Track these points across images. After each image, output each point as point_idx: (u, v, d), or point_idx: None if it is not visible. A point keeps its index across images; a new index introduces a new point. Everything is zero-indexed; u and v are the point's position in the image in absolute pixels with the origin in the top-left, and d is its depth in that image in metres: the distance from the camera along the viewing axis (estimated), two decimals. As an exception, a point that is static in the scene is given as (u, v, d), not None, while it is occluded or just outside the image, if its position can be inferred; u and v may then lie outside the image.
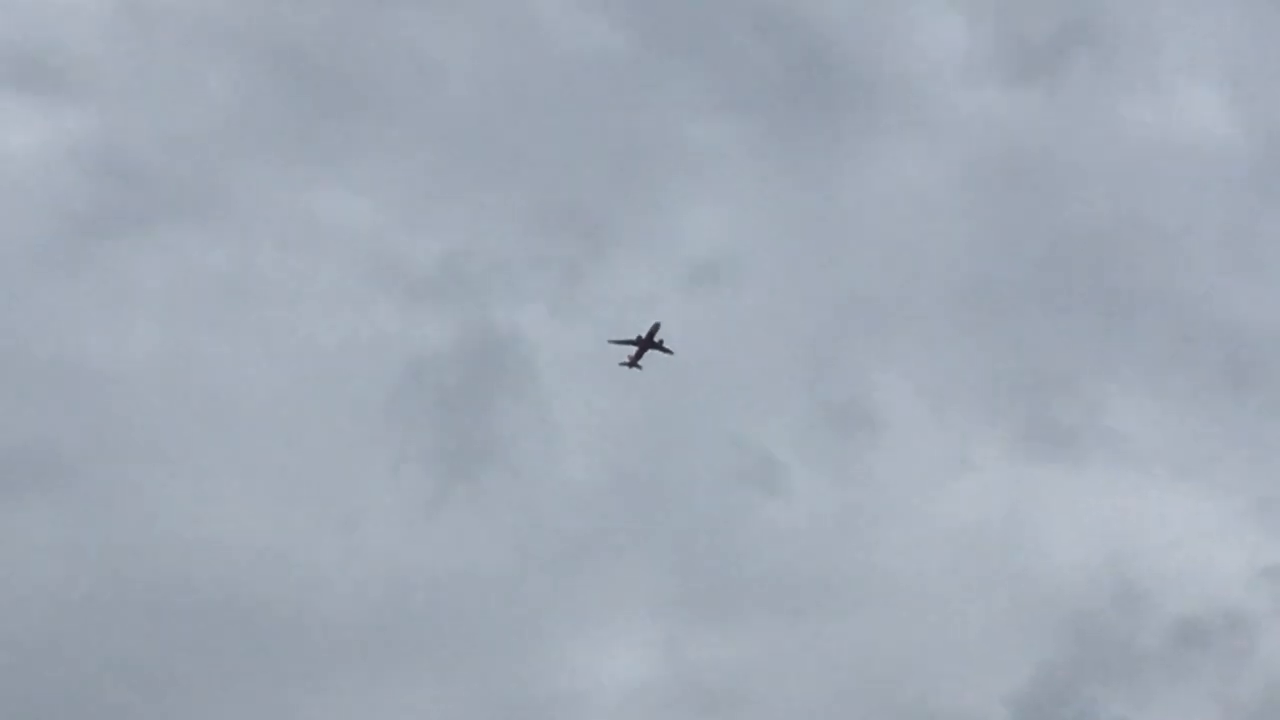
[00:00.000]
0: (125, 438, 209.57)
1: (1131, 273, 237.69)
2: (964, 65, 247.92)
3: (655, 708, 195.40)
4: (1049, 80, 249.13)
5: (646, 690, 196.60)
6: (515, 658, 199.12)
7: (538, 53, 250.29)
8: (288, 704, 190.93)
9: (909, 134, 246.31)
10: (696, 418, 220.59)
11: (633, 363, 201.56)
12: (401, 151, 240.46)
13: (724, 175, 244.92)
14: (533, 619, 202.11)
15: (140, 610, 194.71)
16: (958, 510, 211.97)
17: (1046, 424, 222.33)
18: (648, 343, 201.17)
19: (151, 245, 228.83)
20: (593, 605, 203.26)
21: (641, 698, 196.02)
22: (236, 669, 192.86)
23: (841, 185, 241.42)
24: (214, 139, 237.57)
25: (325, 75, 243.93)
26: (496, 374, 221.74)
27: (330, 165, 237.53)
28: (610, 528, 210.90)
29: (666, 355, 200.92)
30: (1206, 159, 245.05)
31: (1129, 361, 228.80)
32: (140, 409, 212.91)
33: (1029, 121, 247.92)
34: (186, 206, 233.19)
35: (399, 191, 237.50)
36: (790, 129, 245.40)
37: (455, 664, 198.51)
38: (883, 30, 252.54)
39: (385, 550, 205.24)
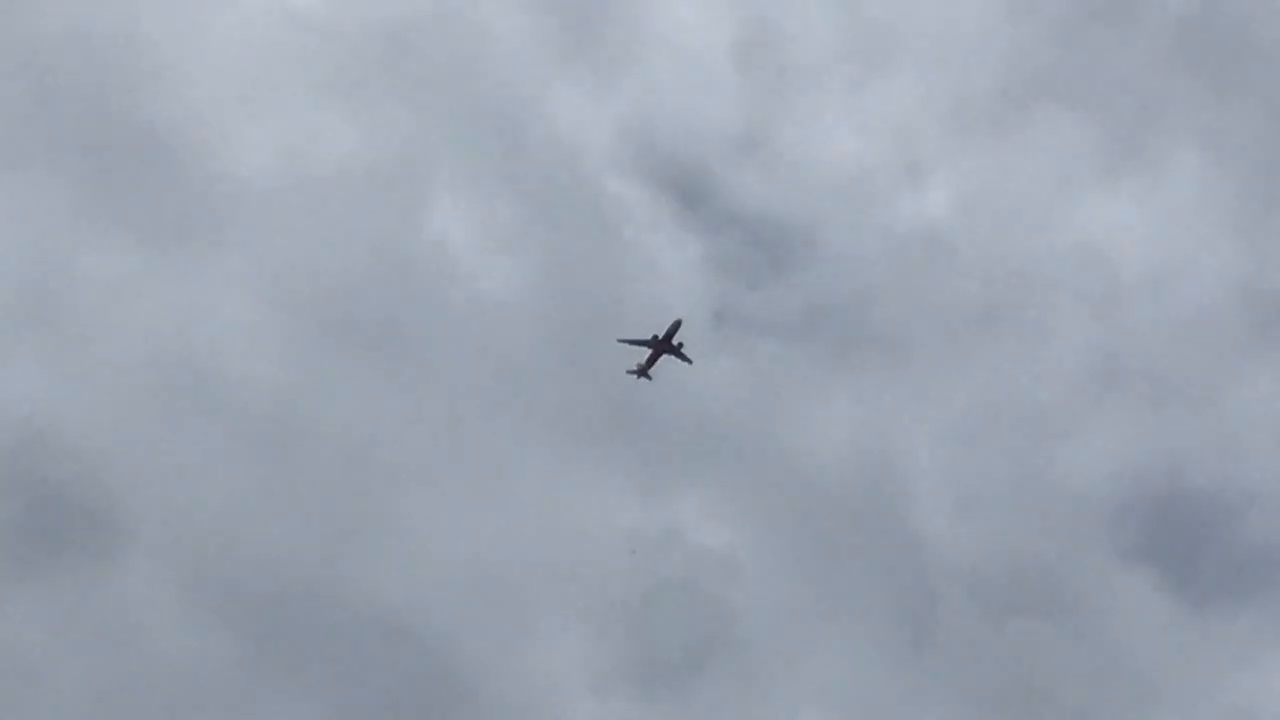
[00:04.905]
0: None
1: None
2: (592, 681, 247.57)
3: None
4: (680, 697, 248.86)
5: None
6: None
7: (141, 656, 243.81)
8: None
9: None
10: None
11: (642, 371, 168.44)
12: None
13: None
14: None
15: None
16: None
17: None
18: (664, 345, 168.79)
19: None
20: None
21: None
22: None
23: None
24: None
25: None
26: None
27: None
28: None
29: (685, 365, 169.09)
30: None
31: None
32: None
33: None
34: None
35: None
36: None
37: None
38: (508, 640, 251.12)
39: None
